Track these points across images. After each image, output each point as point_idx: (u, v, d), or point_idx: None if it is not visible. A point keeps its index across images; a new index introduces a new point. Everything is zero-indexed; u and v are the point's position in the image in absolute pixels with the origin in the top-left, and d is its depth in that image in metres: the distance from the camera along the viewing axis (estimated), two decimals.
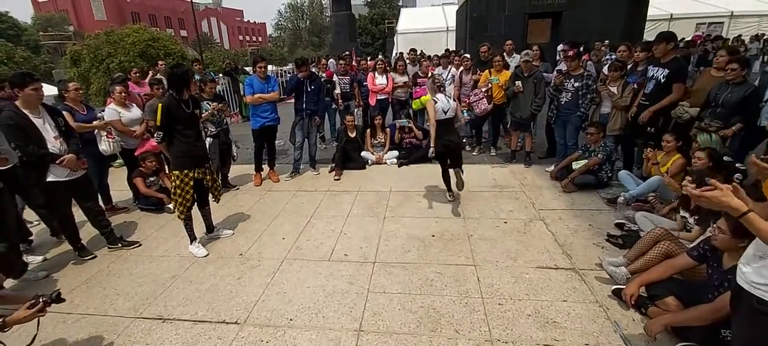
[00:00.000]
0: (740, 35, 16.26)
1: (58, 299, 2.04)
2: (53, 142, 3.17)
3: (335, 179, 5.45)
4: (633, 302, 2.43)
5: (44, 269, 3.45)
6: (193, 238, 3.61)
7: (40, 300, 1.94)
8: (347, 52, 11.95)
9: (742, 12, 18.21)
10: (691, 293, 2.29)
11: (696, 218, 3.01)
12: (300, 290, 2.96)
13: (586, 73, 4.80)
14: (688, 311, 2.17)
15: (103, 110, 4.55)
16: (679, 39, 5.70)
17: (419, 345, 2.36)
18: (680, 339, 2.19)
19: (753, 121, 3.78)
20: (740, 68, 3.66)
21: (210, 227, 3.88)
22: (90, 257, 3.61)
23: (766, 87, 3.82)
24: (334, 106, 7.07)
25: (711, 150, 3.42)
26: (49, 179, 3.21)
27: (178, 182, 3.38)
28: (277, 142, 5.80)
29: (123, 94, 4.49)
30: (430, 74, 5.27)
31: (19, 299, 2.10)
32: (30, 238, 3.94)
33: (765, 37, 15.95)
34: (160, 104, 3.22)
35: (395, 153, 6.12)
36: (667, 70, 4.09)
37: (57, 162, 3.15)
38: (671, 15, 17.83)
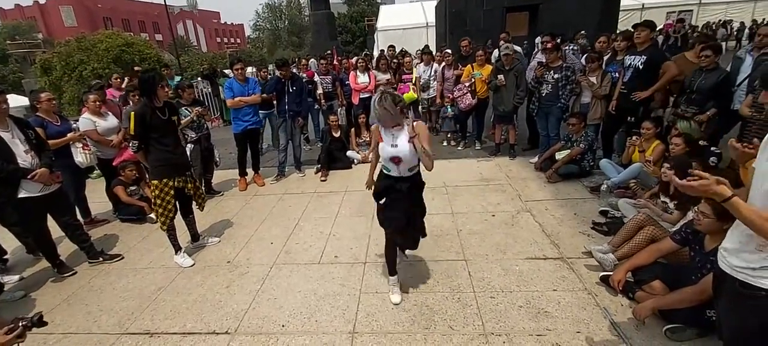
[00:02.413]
0: (708, 22, 16.82)
1: (40, 322, 1.88)
2: (24, 157, 3.03)
3: (322, 180, 5.40)
4: (621, 288, 2.47)
5: (21, 289, 3.30)
6: (177, 248, 3.52)
7: (20, 325, 1.78)
8: (329, 52, 11.84)
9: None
10: (676, 276, 2.35)
11: (675, 202, 3.10)
12: (291, 295, 2.92)
13: (564, 65, 4.88)
14: (673, 294, 2.22)
15: (77, 121, 4.39)
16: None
17: (414, 344, 2.36)
18: (668, 321, 2.25)
19: (727, 105, 3.91)
20: (713, 54, 3.77)
21: (195, 236, 3.79)
22: (70, 273, 3.48)
23: (737, 72, 3.95)
24: (316, 106, 7.01)
25: (686, 136, 3.52)
26: (21, 195, 3.06)
27: (157, 192, 3.28)
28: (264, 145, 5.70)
29: (97, 102, 4.33)
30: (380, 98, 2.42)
31: None
32: (5, 257, 3.76)
33: (732, 23, 16.53)
34: (132, 113, 3.12)
35: None
36: (644, 57, 4.18)
37: (29, 177, 3.01)
38: (643, 4, 18.31)
